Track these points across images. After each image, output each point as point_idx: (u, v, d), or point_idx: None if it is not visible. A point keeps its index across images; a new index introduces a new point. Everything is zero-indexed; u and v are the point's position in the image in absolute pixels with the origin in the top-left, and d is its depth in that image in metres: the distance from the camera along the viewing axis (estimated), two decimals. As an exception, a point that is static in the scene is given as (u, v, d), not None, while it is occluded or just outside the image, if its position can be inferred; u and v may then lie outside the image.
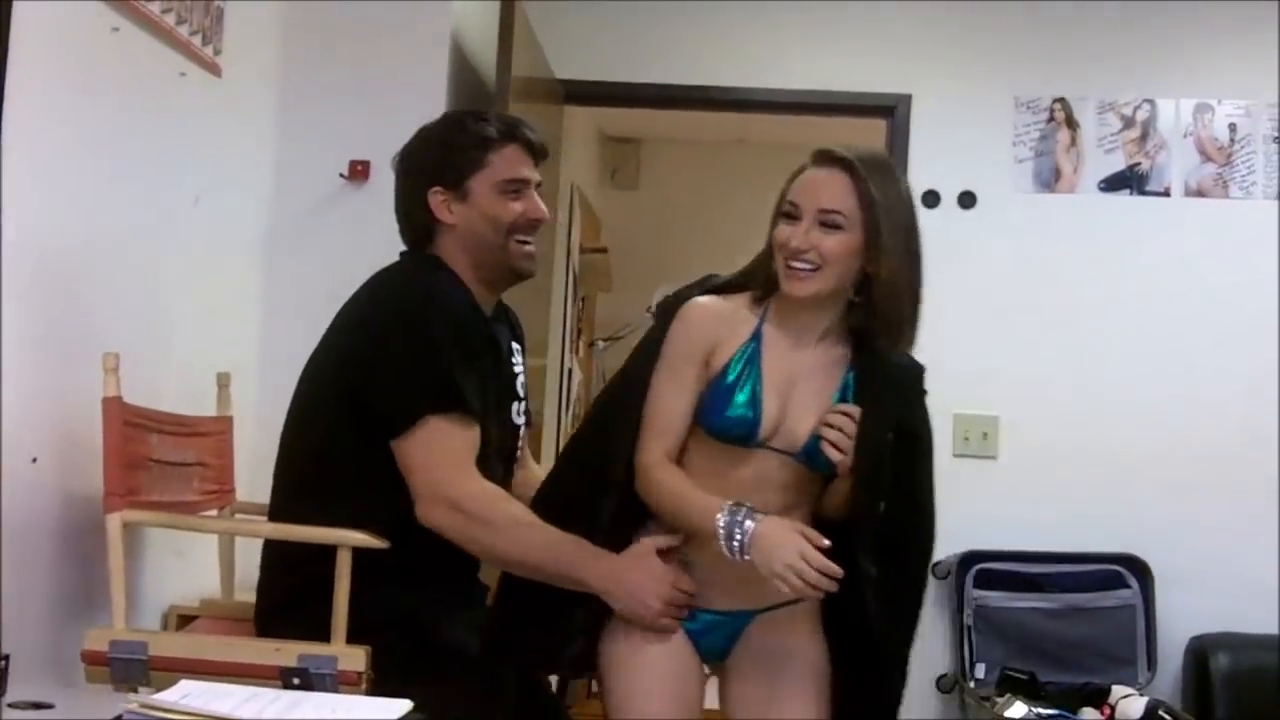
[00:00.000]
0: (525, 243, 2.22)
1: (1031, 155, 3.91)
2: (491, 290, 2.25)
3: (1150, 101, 3.90)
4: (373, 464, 2.08)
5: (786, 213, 2.03)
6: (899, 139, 3.94)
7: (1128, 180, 3.90)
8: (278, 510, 2.20)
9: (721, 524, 1.95)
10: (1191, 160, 3.89)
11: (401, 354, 2.07)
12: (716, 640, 2.12)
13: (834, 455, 1.99)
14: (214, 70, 2.84)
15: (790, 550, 1.90)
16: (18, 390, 2.13)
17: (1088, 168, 3.90)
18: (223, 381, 2.67)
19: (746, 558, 1.94)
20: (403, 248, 2.28)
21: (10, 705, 1.73)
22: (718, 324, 2.07)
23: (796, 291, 2.01)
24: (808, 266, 2.00)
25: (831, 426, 2.00)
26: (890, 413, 2.05)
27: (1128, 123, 3.90)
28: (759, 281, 2.09)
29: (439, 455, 2.04)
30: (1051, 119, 3.91)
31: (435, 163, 2.21)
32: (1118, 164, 3.90)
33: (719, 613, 2.10)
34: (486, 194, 2.19)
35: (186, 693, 1.49)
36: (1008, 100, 3.92)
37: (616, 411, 2.12)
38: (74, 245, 2.35)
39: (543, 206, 2.25)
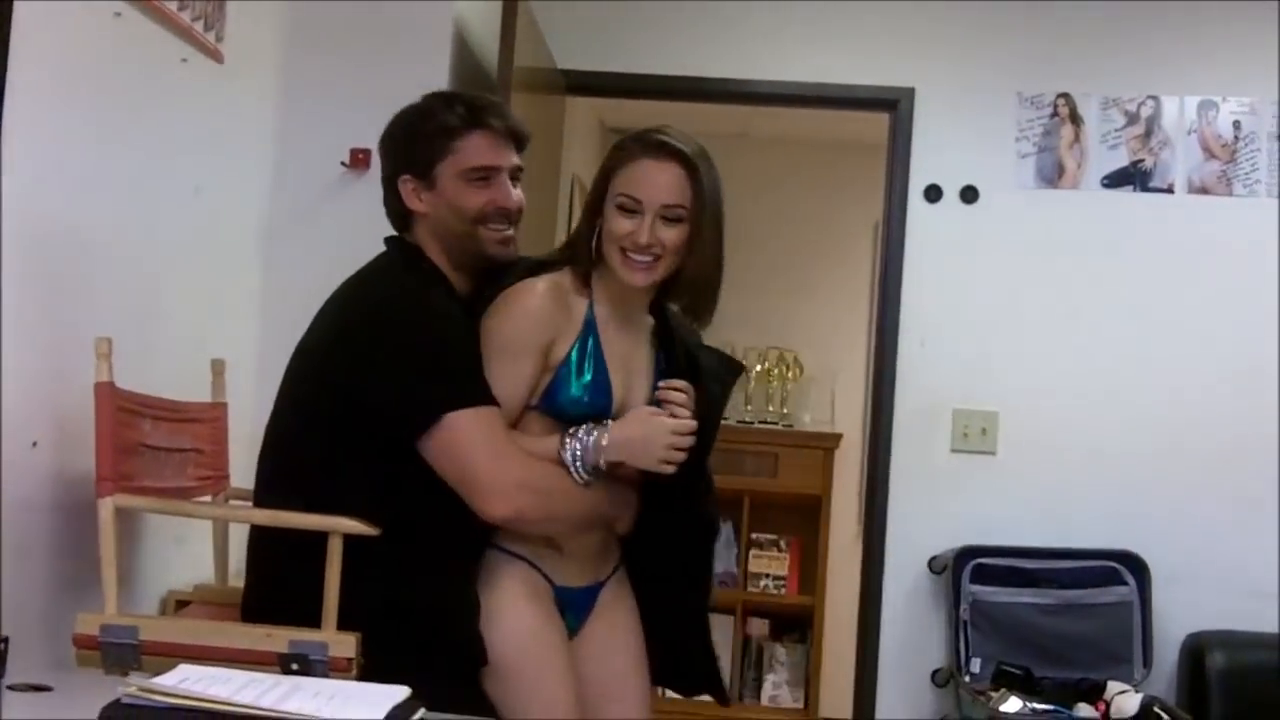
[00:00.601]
0: (498, 230, 2.18)
1: (1034, 150, 3.91)
2: (467, 277, 2.20)
3: (1154, 98, 3.89)
4: (359, 463, 2.06)
5: (624, 205, 2.06)
6: (901, 133, 3.94)
7: (1131, 177, 3.89)
8: (262, 506, 2.16)
9: (568, 456, 2.05)
10: (1195, 157, 3.88)
11: (403, 362, 2.03)
12: (574, 617, 2.16)
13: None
14: (216, 57, 2.83)
15: (662, 433, 2.05)
16: (18, 375, 2.13)
17: (1091, 164, 3.89)
18: (217, 369, 2.66)
19: (618, 466, 2.07)
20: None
21: (10, 687, 1.74)
22: (555, 313, 2.09)
23: (639, 282, 2.09)
24: (650, 259, 2.06)
25: (674, 403, 2.10)
26: (726, 382, 2.21)
27: (1132, 119, 3.89)
28: (579, 259, 2.12)
29: (481, 446, 2.00)
30: (1055, 114, 3.90)
31: (404, 151, 2.19)
32: (1121, 160, 3.89)
33: (578, 589, 2.15)
34: (451, 182, 2.15)
35: (185, 677, 1.48)
36: (1011, 95, 3.91)
37: None
38: (74, 230, 2.35)
39: (513, 193, 2.20)
